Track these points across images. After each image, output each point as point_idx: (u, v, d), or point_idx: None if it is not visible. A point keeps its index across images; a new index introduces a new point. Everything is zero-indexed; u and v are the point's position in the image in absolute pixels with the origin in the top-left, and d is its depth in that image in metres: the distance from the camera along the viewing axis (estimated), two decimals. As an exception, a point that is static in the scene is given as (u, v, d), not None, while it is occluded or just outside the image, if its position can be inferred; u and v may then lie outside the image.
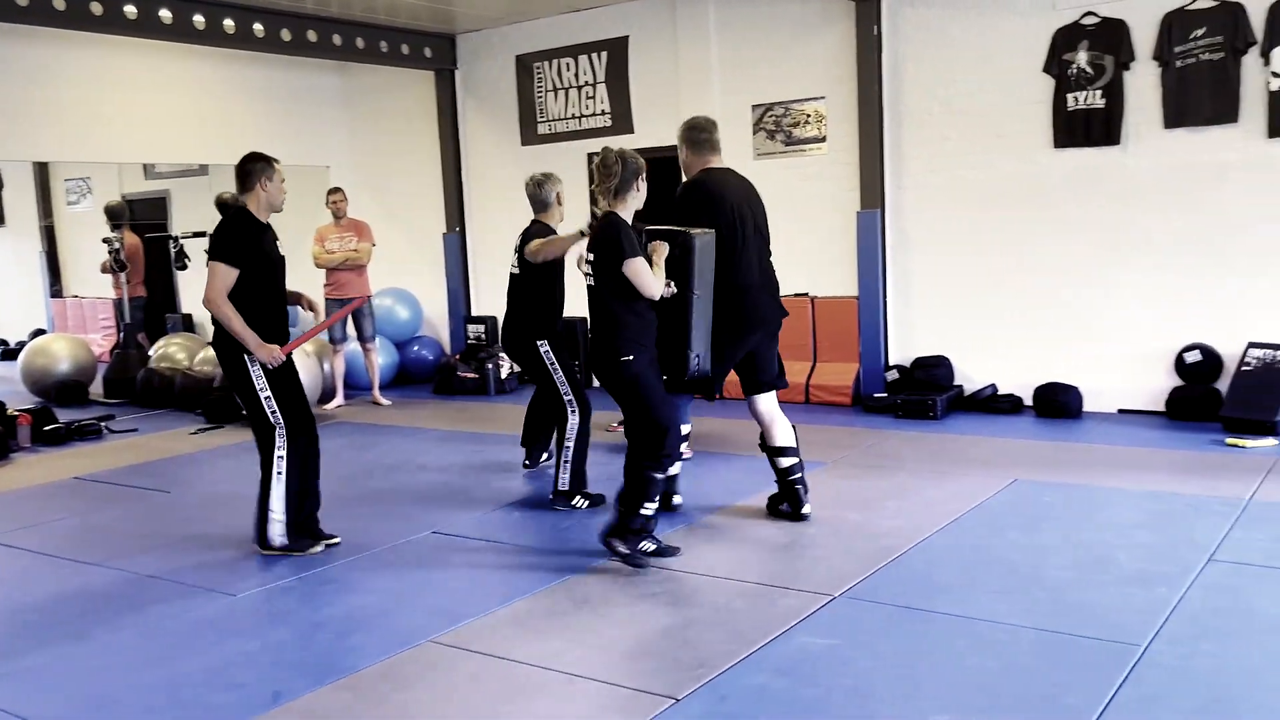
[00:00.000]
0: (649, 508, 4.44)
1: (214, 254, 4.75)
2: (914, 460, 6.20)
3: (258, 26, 8.45)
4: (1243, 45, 6.52)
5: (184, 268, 9.47)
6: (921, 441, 6.69)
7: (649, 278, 4.43)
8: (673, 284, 4.62)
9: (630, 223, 4.56)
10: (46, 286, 13.86)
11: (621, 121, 9.14)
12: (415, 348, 10.22)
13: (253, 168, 4.91)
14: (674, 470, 5.08)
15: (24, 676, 3.69)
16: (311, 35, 8.85)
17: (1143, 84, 6.89)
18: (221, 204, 8.86)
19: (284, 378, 4.86)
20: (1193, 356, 6.86)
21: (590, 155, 9.32)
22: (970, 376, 7.75)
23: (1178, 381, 6.97)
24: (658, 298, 4.50)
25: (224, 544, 5.12)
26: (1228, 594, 3.92)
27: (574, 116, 9.43)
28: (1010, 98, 7.34)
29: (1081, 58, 7.03)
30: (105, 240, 9.99)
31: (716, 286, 4.80)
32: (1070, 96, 7.09)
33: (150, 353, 9.80)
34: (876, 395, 7.79)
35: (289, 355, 4.87)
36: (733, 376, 5.18)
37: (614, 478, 4.76)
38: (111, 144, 9.25)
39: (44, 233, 13.80)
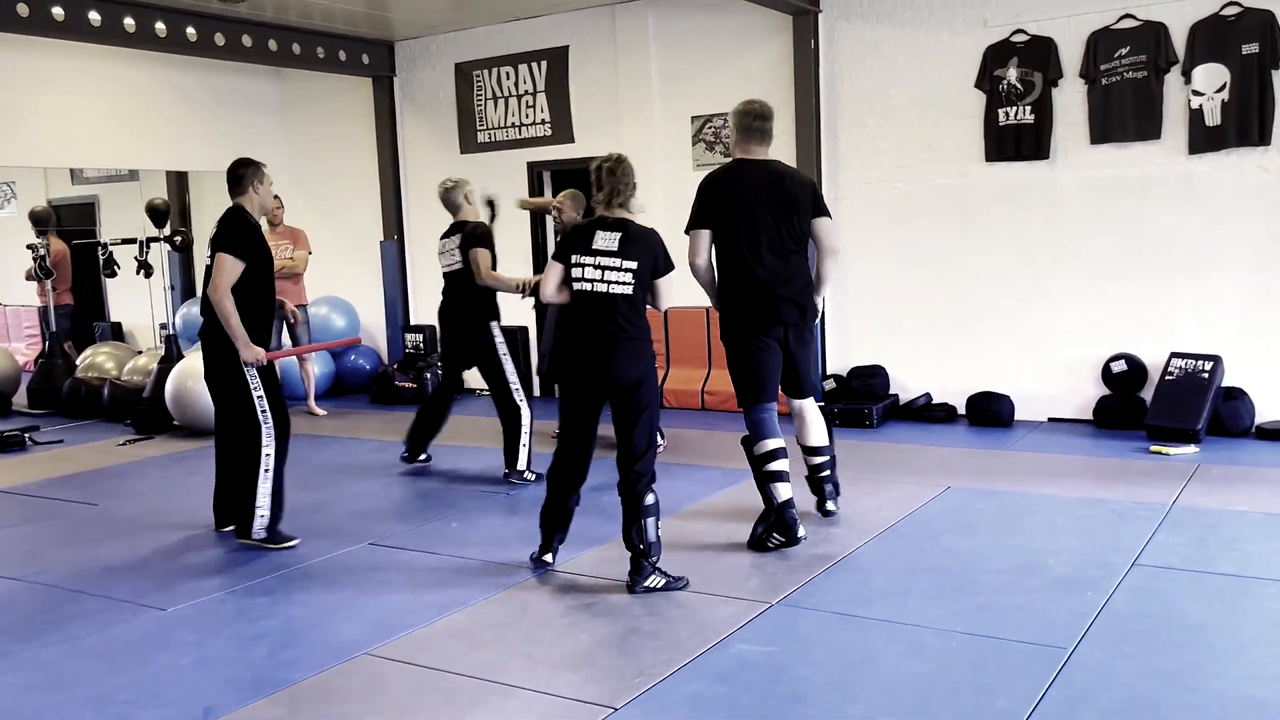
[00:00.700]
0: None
1: (221, 246, 4.86)
2: (851, 469, 6.24)
3: (190, 30, 8.30)
4: (1165, 64, 6.73)
5: (113, 275, 9.24)
6: (858, 450, 6.77)
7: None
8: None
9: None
10: (-33, 293, 13.45)
11: (561, 131, 9.15)
12: (352, 356, 10.10)
13: (244, 172, 5.07)
14: None
15: (-58, 697, 3.57)
16: (246, 40, 8.73)
17: (1070, 100, 7.08)
18: (153, 210, 8.68)
19: (270, 379, 5.04)
20: (1119, 366, 7.06)
21: (530, 165, 9.32)
22: (906, 385, 7.88)
23: (1104, 390, 7.16)
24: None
25: (154, 558, 5.02)
26: (1152, 597, 4.03)
27: (514, 125, 9.42)
28: (943, 112, 7.49)
29: (1012, 74, 7.20)
30: (30, 247, 9.74)
31: (725, 285, 4.85)
32: (1001, 111, 7.26)
33: (77, 362, 9.56)
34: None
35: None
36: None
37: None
38: (37, 148, 9.01)
39: (-35, 238, 13.39)
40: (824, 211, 4.99)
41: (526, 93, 9.30)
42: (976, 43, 7.33)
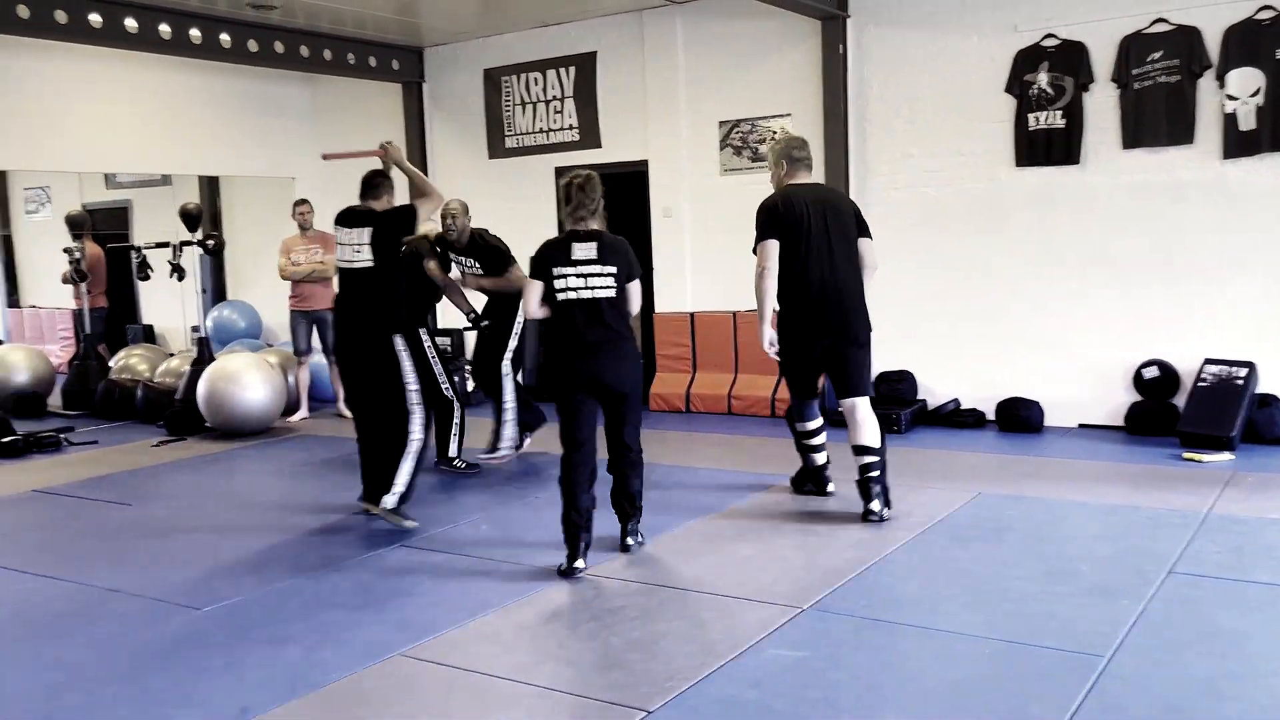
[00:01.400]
0: None
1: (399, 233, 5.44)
2: (879, 474, 6.26)
3: (224, 37, 8.40)
4: (1198, 68, 6.68)
5: (146, 278, 9.34)
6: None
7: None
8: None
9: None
10: (4, 296, 13.63)
11: (589, 136, 9.18)
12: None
13: (381, 180, 5.61)
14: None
15: (-17, 693, 3.63)
16: (279, 46, 8.82)
17: (1102, 105, 7.03)
18: (185, 214, 8.77)
19: (424, 368, 5.59)
20: (1151, 372, 6.99)
21: (559, 170, 9.36)
22: (933, 391, 7.84)
23: (1136, 397, 7.10)
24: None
25: (188, 558, 5.07)
26: (1188, 606, 4.00)
27: (542, 131, 9.46)
28: (972, 117, 7.46)
29: (1042, 79, 7.16)
30: (66, 250, 9.86)
31: (784, 296, 5.36)
32: (1031, 116, 7.22)
33: (111, 364, 9.68)
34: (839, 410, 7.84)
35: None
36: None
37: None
38: (72, 153, 9.13)
39: (1, 242, 13.58)
40: (867, 232, 5.51)
41: (554, 98, 9.34)
42: (1006, 47, 7.30)
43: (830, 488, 5.71)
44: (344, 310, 5.68)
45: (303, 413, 8.83)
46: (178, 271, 8.82)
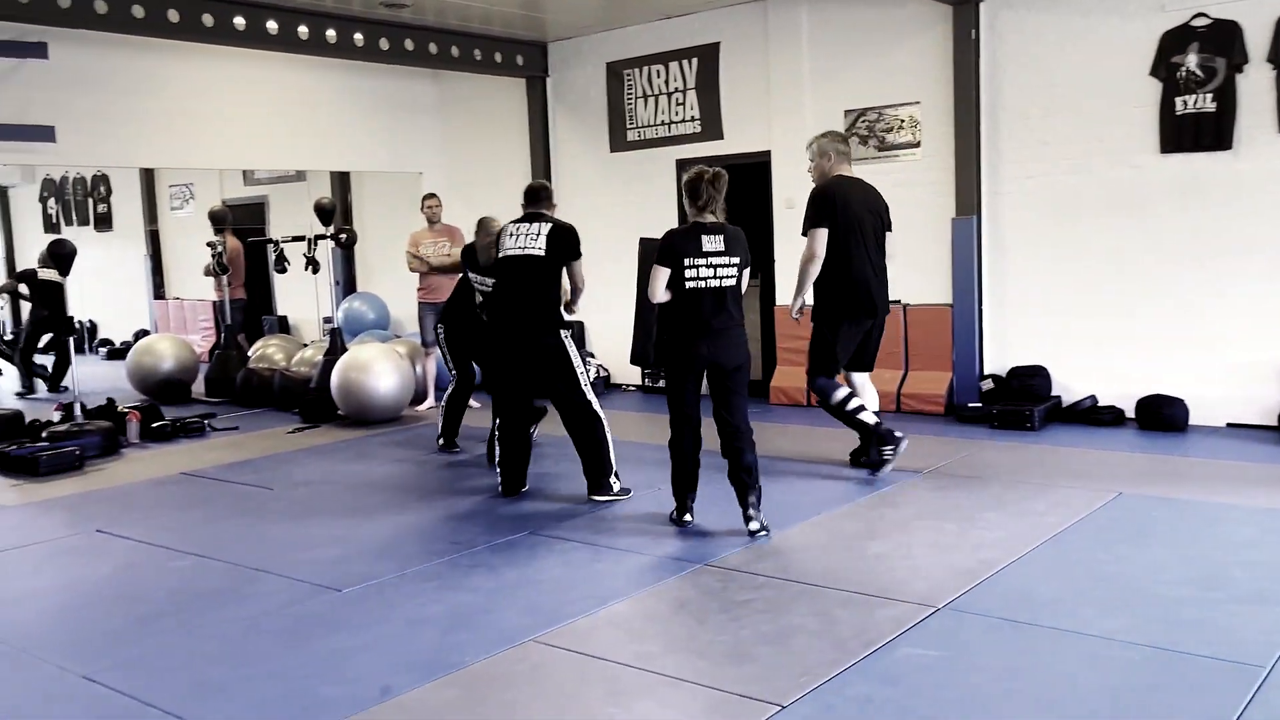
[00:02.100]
0: None
1: (571, 253, 5.65)
2: (1011, 472, 6.08)
3: (358, 36, 8.66)
4: (1364, 46, 6.28)
5: (284, 271, 9.71)
6: (1019, 452, 6.55)
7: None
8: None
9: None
10: (150, 288, 14.38)
11: (711, 128, 9.14)
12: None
13: (549, 189, 5.99)
14: None
15: (139, 664, 3.81)
16: (409, 44, 9.04)
17: (1256, 87, 6.66)
18: (320, 208, 9.08)
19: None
20: (1307, 369, 6.61)
21: (679, 162, 9.35)
22: (1069, 387, 7.57)
23: (1290, 395, 6.72)
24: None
25: (326, 540, 5.25)
26: (1354, 616, 3.76)
27: (663, 123, 9.46)
28: (1113, 101, 7.16)
29: (1191, 60, 6.83)
30: (209, 244, 10.32)
31: (833, 279, 5.93)
32: (1179, 100, 6.89)
33: (249, 353, 10.08)
34: (971, 405, 7.65)
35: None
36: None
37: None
38: (214, 151, 9.53)
39: (149, 237, 14.33)
40: (890, 225, 6.14)
41: (676, 90, 9.33)
42: (1151, 28, 6.97)
43: (899, 433, 6.01)
44: (504, 308, 5.75)
45: (429, 402, 9.04)
46: (313, 264, 9.13)
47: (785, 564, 4.57)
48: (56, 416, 8.03)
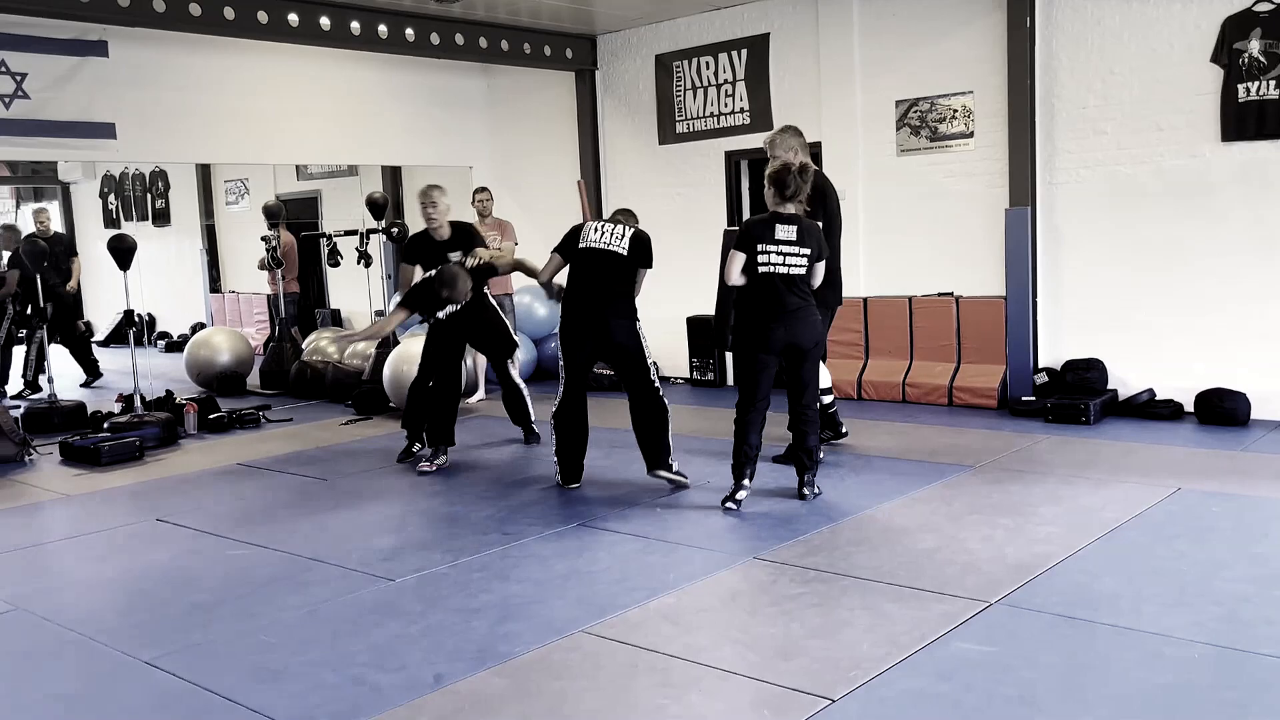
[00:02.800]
0: None
1: (645, 260, 5.87)
2: (1066, 466, 5.99)
3: (409, 31, 8.73)
4: None
5: (337, 264, 9.83)
6: (1074, 447, 6.45)
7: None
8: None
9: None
10: (207, 282, 14.62)
11: (760, 119, 9.09)
12: (553, 344, 10.36)
13: (635, 214, 6.27)
14: None
15: (199, 651, 3.89)
16: (459, 39, 9.10)
17: (1322, 72, 6.49)
18: (372, 203, 9.18)
19: None
20: (1375, 362, 6.43)
21: (728, 154, 9.32)
22: (1125, 380, 7.43)
23: (1358, 389, 6.54)
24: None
25: (379, 531, 5.31)
26: None
27: (712, 115, 9.44)
28: (1173, 89, 7.01)
29: (1254, 46, 6.66)
30: (263, 238, 10.48)
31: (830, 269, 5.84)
32: (1241, 87, 6.73)
33: (303, 346, 10.23)
34: (1024, 399, 7.54)
35: None
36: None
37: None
38: (268, 146, 9.66)
39: (205, 231, 14.56)
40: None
41: (726, 82, 9.30)
42: (1212, 14, 6.82)
43: (844, 428, 6.55)
44: (585, 296, 5.80)
45: (479, 394, 9.11)
46: (365, 258, 9.24)
47: (835, 559, 4.55)
48: (117, 408, 8.22)
